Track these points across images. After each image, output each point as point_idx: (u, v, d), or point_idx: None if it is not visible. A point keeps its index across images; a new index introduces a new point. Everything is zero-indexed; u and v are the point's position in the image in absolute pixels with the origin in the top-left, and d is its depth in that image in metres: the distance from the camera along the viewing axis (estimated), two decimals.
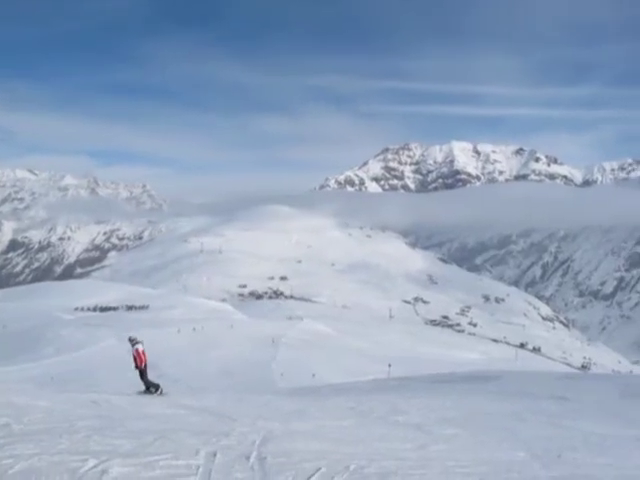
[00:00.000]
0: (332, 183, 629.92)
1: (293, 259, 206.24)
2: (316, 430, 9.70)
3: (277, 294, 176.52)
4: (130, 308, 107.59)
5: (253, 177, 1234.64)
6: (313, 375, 41.73)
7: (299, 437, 8.66)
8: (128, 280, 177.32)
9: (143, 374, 15.68)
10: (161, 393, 15.76)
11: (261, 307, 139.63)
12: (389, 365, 43.75)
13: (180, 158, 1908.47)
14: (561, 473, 6.90)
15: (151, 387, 15.78)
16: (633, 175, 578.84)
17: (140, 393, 15.76)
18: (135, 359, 15.59)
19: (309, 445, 8.01)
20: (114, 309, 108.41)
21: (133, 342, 15.80)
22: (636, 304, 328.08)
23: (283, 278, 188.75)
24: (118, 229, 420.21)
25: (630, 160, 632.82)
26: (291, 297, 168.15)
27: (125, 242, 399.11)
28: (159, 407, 12.39)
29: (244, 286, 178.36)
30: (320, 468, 6.48)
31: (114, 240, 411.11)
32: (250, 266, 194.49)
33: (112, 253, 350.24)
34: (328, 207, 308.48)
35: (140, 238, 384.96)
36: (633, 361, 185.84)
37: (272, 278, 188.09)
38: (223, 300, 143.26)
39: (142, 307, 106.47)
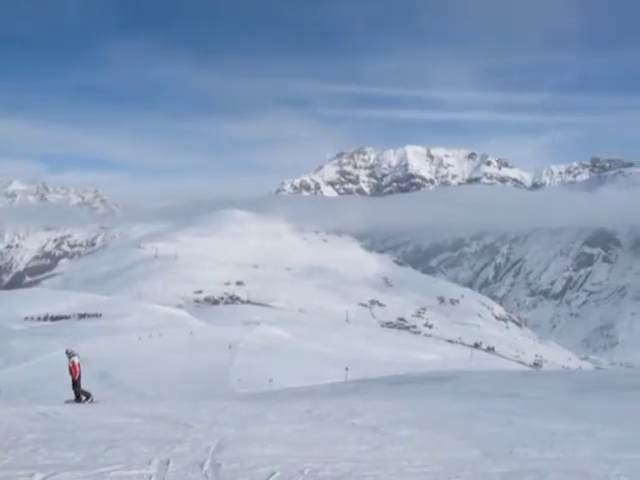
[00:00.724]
0: (288, 187, 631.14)
1: (249, 264, 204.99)
2: (272, 435, 9.64)
3: (233, 299, 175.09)
4: (83, 316, 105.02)
5: (208, 181, 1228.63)
6: (270, 380, 41.52)
7: (254, 442, 8.58)
8: (80, 288, 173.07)
9: (76, 384, 16.14)
10: (92, 401, 16.14)
11: (217, 312, 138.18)
12: (346, 368, 43.83)
13: (134, 162, 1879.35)
14: (511, 469, 7.07)
15: (82, 395, 16.17)
16: (579, 178, 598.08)
17: (69, 402, 16.06)
18: (71, 370, 16.06)
19: (264, 450, 7.95)
20: (66, 318, 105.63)
21: (70, 355, 16.35)
22: (584, 302, 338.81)
23: (239, 283, 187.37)
24: (69, 236, 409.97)
25: (576, 164, 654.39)
26: (248, 302, 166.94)
27: (77, 249, 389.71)
28: (111, 417, 12.10)
29: (200, 292, 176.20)
30: (274, 472, 6.44)
31: (65, 247, 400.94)
32: (206, 271, 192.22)
33: (63, 260, 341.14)
34: (284, 211, 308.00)
35: (92, 245, 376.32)
36: (582, 357, 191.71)
37: (228, 283, 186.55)
38: (179, 306, 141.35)
39: (95, 315, 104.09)
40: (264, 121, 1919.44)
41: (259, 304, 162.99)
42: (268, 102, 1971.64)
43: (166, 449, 7.81)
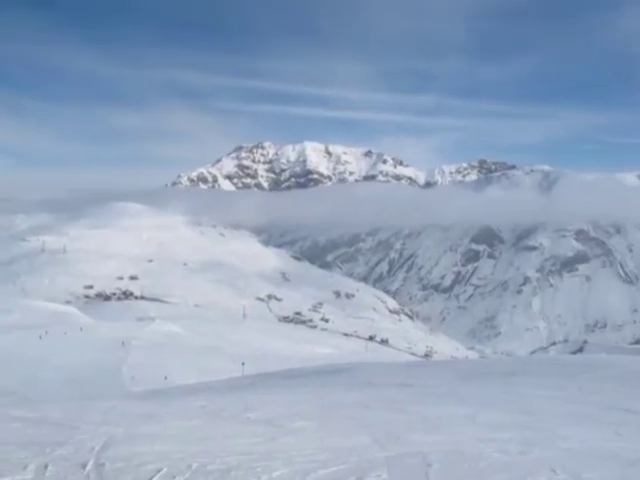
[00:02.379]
0: (184, 180, 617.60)
1: (144, 258, 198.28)
2: (162, 432, 9.39)
3: (127, 295, 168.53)
4: None
5: (101, 172, 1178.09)
6: (165, 377, 40.52)
7: (143, 440, 8.32)
8: None
9: None
10: None
11: (109, 308, 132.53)
12: (243, 363, 43.70)
13: (17, 150, 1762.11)
14: (397, 452, 7.37)
15: None
16: (468, 178, 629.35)
17: None
18: None
19: (152, 447, 7.71)
20: None
21: None
22: (470, 296, 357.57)
23: (133, 278, 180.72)
24: None
25: (465, 164, 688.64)
26: (142, 297, 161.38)
27: None
28: None
29: (91, 287, 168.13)
30: (161, 469, 6.28)
31: None
32: (97, 266, 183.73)
33: None
34: (180, 205, 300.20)
35: None
36: (468, 347, 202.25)
37: (121, 278, 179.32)
38: (67, 302, 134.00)
39: None
40: (161, 112, 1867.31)
41: (154, 299, 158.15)
42: (166, 93, 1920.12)
43: (46, 452, 7.36)
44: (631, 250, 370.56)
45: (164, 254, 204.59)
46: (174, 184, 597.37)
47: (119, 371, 44.29)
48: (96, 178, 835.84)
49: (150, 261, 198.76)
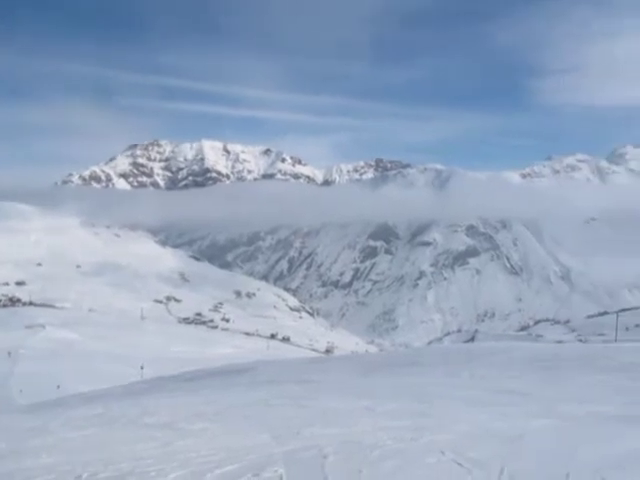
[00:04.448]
0: (76, 179, 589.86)
1: (32, 262, 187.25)
2: (52, 444, 8.92)
3: (13, 301, 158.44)
4: None
5: None
6: (58, 386, 38.50)
7: (29, 454, 7.86)
8: None
9: None
10: None
11: None
12: (141, 367, 42.42)
13: None
14: (295, 447, 7.46)
15: None
16: (365, 177, 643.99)
17: None
18: None
19: (39, 461, 7.31)
20: None
21: None
22: (369, 291, 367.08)
23: (20, 283, 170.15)
24: None
25: (362, 163, 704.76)
26: (30, 304, 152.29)
27: None
28: None
29: None
30: None
31: None
32: None
33: None
34: (72, 205, 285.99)
35: None
36: (368, 341, 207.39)
37: (7, 284, 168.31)
38: None
39: None
40: (50, 107, 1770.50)
41: (44, 305, 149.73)
42: (56, 87, 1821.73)
43: None
44: (516, 244, 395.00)
45: (55, 257, 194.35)
46: (65, 183, 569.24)
47: (5, 384, 41.67)
48: None
49: (39, 265, 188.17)
